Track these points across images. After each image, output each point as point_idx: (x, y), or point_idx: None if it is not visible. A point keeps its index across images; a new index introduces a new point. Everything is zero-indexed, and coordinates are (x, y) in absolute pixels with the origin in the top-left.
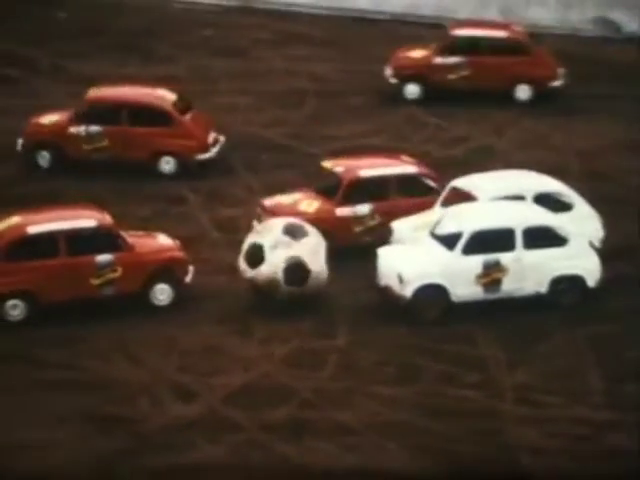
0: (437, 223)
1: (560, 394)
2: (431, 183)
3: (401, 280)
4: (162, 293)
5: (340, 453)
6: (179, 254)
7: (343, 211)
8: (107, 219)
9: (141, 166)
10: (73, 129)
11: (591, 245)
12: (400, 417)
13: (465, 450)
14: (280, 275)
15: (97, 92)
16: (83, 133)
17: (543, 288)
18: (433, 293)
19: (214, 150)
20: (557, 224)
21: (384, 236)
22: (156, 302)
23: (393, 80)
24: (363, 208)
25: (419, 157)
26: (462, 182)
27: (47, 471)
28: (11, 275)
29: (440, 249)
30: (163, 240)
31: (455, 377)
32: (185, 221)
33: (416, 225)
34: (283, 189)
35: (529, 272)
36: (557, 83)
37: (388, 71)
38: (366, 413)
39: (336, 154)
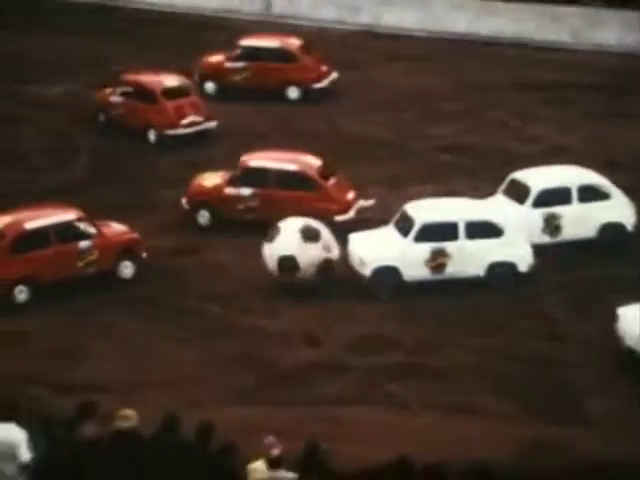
0: (398, 215)
1: None
2: (311, 181)
3: (362, 262)
4: (126, 268)
5: (435, 392)
6: (136, 236)
7: (230, 190)
8: (80, 213)
9: (137, 133)
10: (110, 99)
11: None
12: (484, 363)
13: (537, 391)
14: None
15: (127, 74)
16: (113, 102)
17: (481, 272)
18: (388, 273)
19: (188, 130)
20: (495, 219)
21: None
22: (122, 276)
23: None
24: (246, 191)
25: None
26: (520, 174)
27: (204, 400)
28: (17, 265)
29: (397, 237)
30: (118, 226)
31: (530, 331)
32: None
33: None
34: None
35: (470, 258)
36: (322, 85)
37: (195, 74)
38: (456, 360)
39: (438, 149)
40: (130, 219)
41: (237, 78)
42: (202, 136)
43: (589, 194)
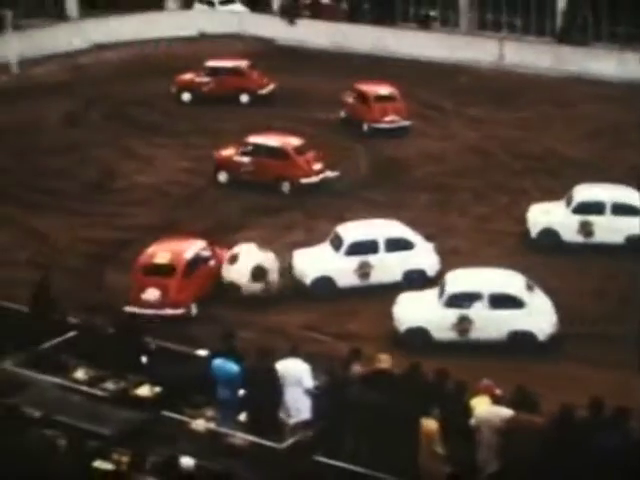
0: (332, 235)
1: None
2: (287, 152)
3: (303, 273)
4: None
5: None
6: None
7: (237, 158)
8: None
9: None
10: (346, 99)
11: None
12: None
13: None
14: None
15: (357, 84)
16: (347, 102)
17: (398, 278)
18: (324, 282)
19: (389, 125)
20: (407, 236)
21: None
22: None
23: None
24: (245, 159)
25: None
26: (575, 189)
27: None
28: (189, 288)
29: (331, 252)
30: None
31: None
32: None
33: (543, 209)
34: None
35: (388, 267)
36: (264, 92)
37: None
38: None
39: (625, 169)
40: None
41: (205, 89)
42: (401, 130)
43: (621, 209)
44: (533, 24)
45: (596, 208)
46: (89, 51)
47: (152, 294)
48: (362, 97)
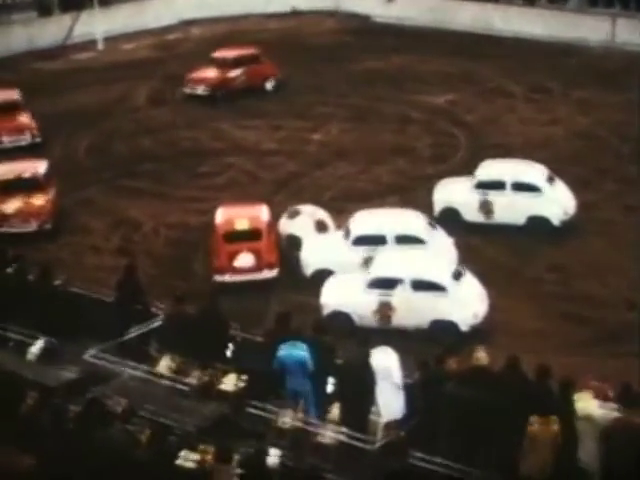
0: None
1: None
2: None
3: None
4: None
5: None
6: None
7: (231, 73)
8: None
9: None
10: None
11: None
12: None
13: None
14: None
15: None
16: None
17: None
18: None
19: None
20: (420, 232)
21: None
22: None
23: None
24: (237, 71)
25: None
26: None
27: (541, 349)
28: (275, 250)
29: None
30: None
31: None
32: None
33: (449, 185)
34: None
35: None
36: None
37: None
38: None
39: None
40: None
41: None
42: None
43: (523, 188)
44: None
45: (496, 186)
46: (177, 27)
47: (246, 259)
48: (253, 59)
